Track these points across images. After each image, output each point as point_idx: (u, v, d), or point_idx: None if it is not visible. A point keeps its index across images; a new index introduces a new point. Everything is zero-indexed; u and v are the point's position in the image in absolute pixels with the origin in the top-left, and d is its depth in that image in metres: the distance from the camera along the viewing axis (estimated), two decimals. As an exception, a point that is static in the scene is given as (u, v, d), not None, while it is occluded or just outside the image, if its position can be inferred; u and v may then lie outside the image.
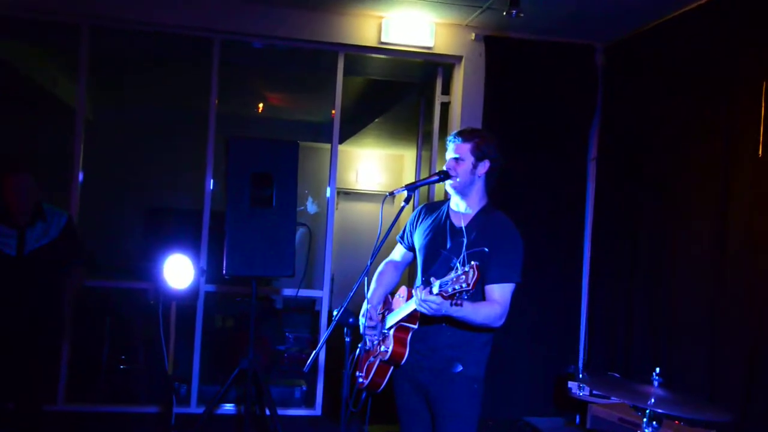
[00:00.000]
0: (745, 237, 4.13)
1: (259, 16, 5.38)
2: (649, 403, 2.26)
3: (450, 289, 2.60)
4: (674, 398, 2.33)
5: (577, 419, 5.06)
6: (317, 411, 5.62)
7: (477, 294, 2.91)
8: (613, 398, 4.60)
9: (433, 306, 2.68)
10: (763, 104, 4.08)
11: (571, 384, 4.90)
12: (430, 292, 2.67)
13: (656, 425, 2.28)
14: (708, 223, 4.43)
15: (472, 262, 2.55)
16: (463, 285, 2.55)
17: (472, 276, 2.53)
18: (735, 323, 4.13)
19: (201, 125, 5.50)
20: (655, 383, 2.39)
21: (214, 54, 5.46)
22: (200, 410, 5.19)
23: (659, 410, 2.22)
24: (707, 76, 4.55)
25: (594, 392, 4.70)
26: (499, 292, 2.94)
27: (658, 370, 2.41)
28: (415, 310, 2.87)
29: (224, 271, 4.16)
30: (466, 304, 2.72)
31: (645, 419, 2.28)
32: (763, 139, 4.08)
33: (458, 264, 2.65)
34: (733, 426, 3.91)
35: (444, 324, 2.96)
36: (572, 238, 5.76)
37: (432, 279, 2.72)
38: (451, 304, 2.67)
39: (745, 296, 4.08)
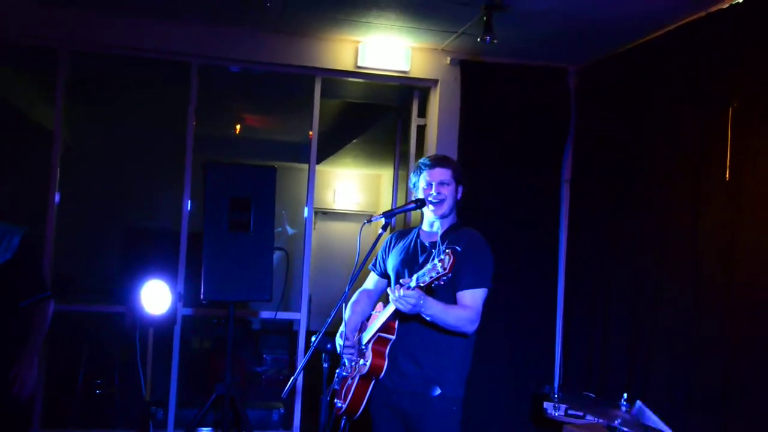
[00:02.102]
0: (718, 258, 4.19)
1: (236, 40, 5.42)
2: (616, 423, 2.30)
3: (427, 278, 2.68)
4: (640, 422, 2.37)
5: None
6: (295, 433, 5.59)
7: (449, 300, 2.99)
8: (588, 418, 4.63)
9: (411, 301, 2.74)
10: (729, 129, 4.16)
11: (546, 404, 4.91)
12: (408, 287, 2.74)
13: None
14: (682, 243, 4.49)
15: (447, 250, 2.65)
16: (440, 271, 2.63)
17: (449, 261, 2.61)
18: (711, 341, 4.18)
19: (179, 147, 5.51)
20: (623, 408, 2.43)
21: (192, 77, 5.48)
22: (179, 435, 5.14)
23: (625, 429, 2.26)
24: (677, 99, 4.65)
25: (569, 412, 4.71)
26: (471, 298, 3.02)
27: (625, 395, 2.45)
28: (391, 315, 2.96)
29: (202, 296, 4.16)
30: (437, 303, 2.82)
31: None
32: (730, 163, 4.15)
33: (435, 255, 2.75)
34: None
35: (420, 327, 2.99)
36: (546, 258, 5.83)
37: (403, 280, 2.80)
38: (430, 298, 2.78)
39: (720, 315, 4.13)
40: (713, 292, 4.20)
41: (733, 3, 4.15)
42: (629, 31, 4.97)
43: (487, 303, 3.12)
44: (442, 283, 2.69)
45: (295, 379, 2.98)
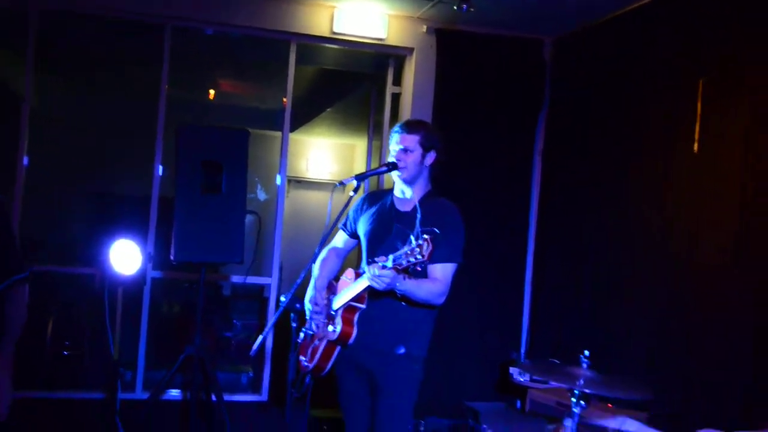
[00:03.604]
0: (684, 230, 4.27)
1: (211, 2, 5.35)
2: (578, 383, 2.34)
3: (404, 262, 2.71)
4: (601, 379, 2.43)
5: (518, 404, 5.15)
6: (263, 396, 5.63)
7: (421, 272, 3.02)
8: (551, 383, 4.70)
9: (386, 280, 2.78)
10: (699, 102, 4.20)
11: (512, 370, 5.00)
12: (384, 267, 2.75)
13: (584, 404, 2.37)
14: (651, 214, 4.57)
15: (425, 236, 2.67)
16: (418, 257, 2.67)
17: (427, 248, 2.65)
18: (675, 313, 4.28)
19: (152, 111, 5.42)
20: (584, 365, 2.47)
21: (165, 40, 5.39)
22: (146, 396, 5.11)
23: (586, 390, 2.31)
24: (649, 72, 4.70)
25: (534, 378, 4.80)
26: (441, 271, 3.07)
27: (587, 352, 2.50)
28: (364, 289, 2.98)
29: (172, 257, 4.14)
30: (410, 280, 2.87)
31: (573, 399, 2.36)
32: (699, 135, 4.20)
33: (412, 237, 2.74)
34: (664, 406, 4.07)
35: (390, 300, 3.04)
36: (518, 227, 5.89)
37: (385, 257, 2.80)
38: (404, 278, 2.82)
39: (685, 285, 4.22)
40: (680, 261, 4.28)
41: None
42: (603, 4, 4.97)
43: (458, 271, 3.17)
44: (419, 269, 2.76)
45: (264, 337, 3.00)
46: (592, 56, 5.32)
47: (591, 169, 5.22)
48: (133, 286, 4.79)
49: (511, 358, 5.55)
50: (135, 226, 5.31)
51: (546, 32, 5.77)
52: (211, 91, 7.90)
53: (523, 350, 5.77)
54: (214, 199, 4.17)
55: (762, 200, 3.72)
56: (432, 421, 5.33)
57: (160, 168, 5.39)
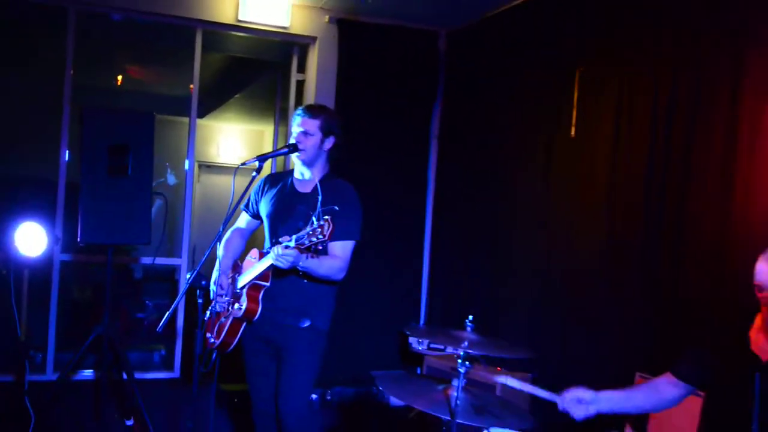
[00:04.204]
0: (562, 211, 4.49)
1: (115, -14, 5.17)
2: (462, 345, 2.46)
3: (307, 242, 2.75)
4: (483, 341, 2.55)
5: (418, 371, 5.31)
6: (176, 373, 5.57)
7: (321, 250, 3.08)
8: (447, 350, 4.88)
9: (290, 259, 2.82)
10: (575, 90, 4.42)
11: (411, 339, 5.15)
12: (287, 247, 2.79)
13: (469, 365, 2.49)
14: (535, 193, 4.76)
15: (326, 216, 2.73)
16: (320, 237, 2.72)
17: (328, 228, 2.71)
18: (554, 288, 4.51)
19: (58, 96, 5.22)
20: (468, 329, 2.60)
21: (69, 23, 5.19)
22: (56, 377, 4.98)
23: (470, 351, 2.43)
24: (532, 63, 4.88)
25: (431, 346, 4.96)
26: (341, 249, 3.12)
27: (471, 317, 2.62)
28: (268, 268, 2.99)
29: (79, 239, 4.01)
30: (312, 259, 2.90)
31: (459, 360, 2.48)
32: (576, 121, 4.43)
33: (314, 218, 2.80)
34: (545, 369, 4.31)
35: (293, 277, 3.07)
36: (416, 207, 6.03)
37: (288, 237, 2.84)
38: (307, 257, 2.86)
39: (562, 260, 4.44)
40: (560, 236, 4.50)
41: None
42: (492, 1, 5.13)
43: (360, 249, 3.24)
44: (320, 248, 2.80)
45: (170, 314, 2.97)
46: (481, 48, 5.47)
47: (481, 152, 5.39)
48: (41, 268, 4.64)
49: (411, 328, 5.71)
50: (42, 210, 5.14)
51: (441, 25, 5.88)
52: (119, 77, 7.68)
53: (422, 321, 5.95)
54: (120, 181, 4.08)
55: (627, 187, 3.96)
56: (338, 391, 5.42)
57: (67, 153, 5.22)
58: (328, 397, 5.31)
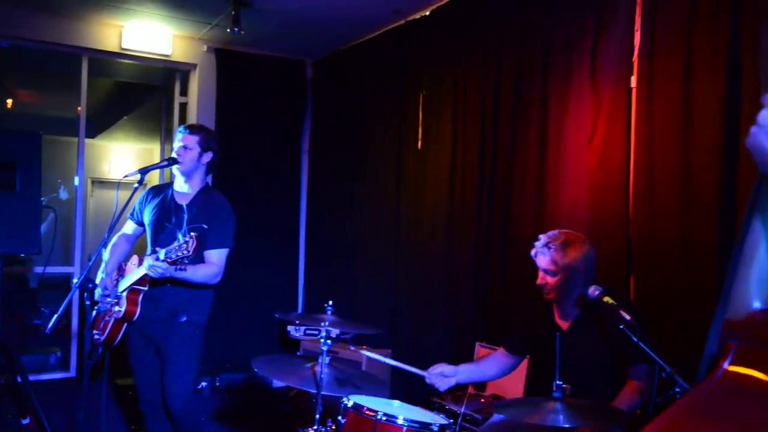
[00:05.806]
0: (412, 211, 4.72)
1: (2, 16, 4.93)
2: (323, 324, 2.64)
3: (174, 256, 2.76)
4: (341, 321, 2.74)
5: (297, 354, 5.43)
6: (72, 373, 5.36)
7: (198, 258, 3.07)
8: (319, 335, 5.03)
9: (160, 270, 2.83)
10: (420, 110, 4.72)
11: (289, 327, 5.26)
12: (158, 259, 2.80)
13: (330, 343, 2.66)
14: (389, 197, 4.94)
15: (192, 233, 2.75)
16: (185, 252, 2.73)
17: (192, 244, 2.73)
18: (404, 277, 4.74)
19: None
20: (328, 312, 2.77)
21: (-46, 50, 4.93)
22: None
23: (330, 329, 2.61)
24: (385, 87, 5.08)
25: (307, 332, 5.10)
26: (216, 256, 3.13)
27: (330, 302, 2.80)
28: (145, 274, 2.97)
29: (-33, 251, 3.84)
30: (188, 267, 2.89)
31: (323, 339, 2.65)
32: (421, 136, 4.73)
33: (180, 235, 2.82)
34: (402, 344, 4.53)
35: (169, 284, 3.08)
36: (292, 213, 6.12)
37: (158, 249, 2.86)
38: (176, 269, 2.85)
39: (412, 253, 4.70)
40: (409, 232, 4.75)
41: (423, 15, 4.69)
42: (349, 33, 5.31)
43: (243, 250, 3.29)
44: (186, 262, 2.80)
45: (59, 315, 2.88)
46: (342, 74, 5.64)
47: (344, 163, 5.55)
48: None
49: (289, 318, 5.82)
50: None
51: (308, 54, 6.01)
52: (9, 101, 7.31)
53: (299, 311, 6.08)
54: (9, 196, 3.96)
55: (463, 188, 4.25)
56: (226, 378, 5.42)
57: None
58: (217, 383, 5.31)
